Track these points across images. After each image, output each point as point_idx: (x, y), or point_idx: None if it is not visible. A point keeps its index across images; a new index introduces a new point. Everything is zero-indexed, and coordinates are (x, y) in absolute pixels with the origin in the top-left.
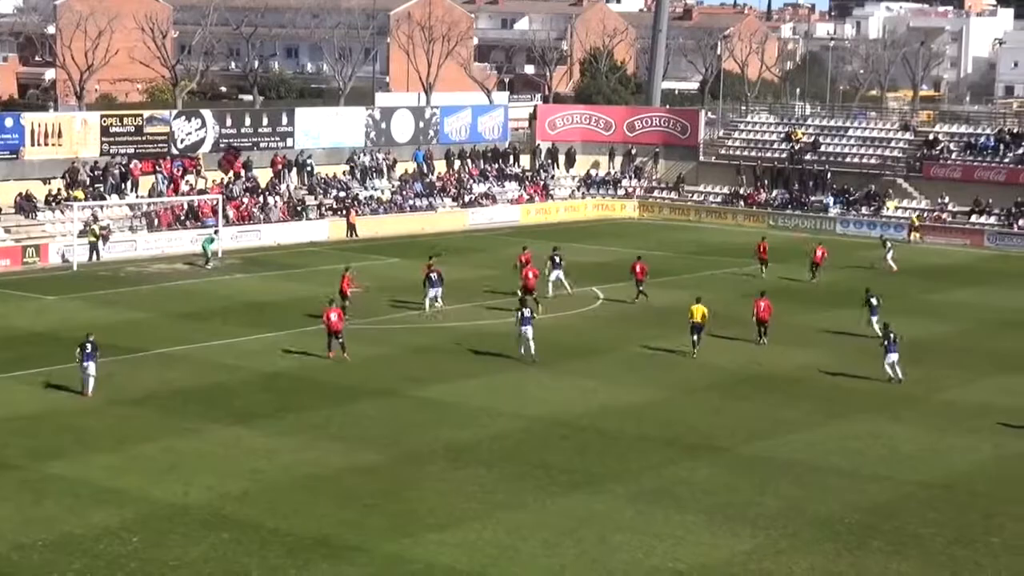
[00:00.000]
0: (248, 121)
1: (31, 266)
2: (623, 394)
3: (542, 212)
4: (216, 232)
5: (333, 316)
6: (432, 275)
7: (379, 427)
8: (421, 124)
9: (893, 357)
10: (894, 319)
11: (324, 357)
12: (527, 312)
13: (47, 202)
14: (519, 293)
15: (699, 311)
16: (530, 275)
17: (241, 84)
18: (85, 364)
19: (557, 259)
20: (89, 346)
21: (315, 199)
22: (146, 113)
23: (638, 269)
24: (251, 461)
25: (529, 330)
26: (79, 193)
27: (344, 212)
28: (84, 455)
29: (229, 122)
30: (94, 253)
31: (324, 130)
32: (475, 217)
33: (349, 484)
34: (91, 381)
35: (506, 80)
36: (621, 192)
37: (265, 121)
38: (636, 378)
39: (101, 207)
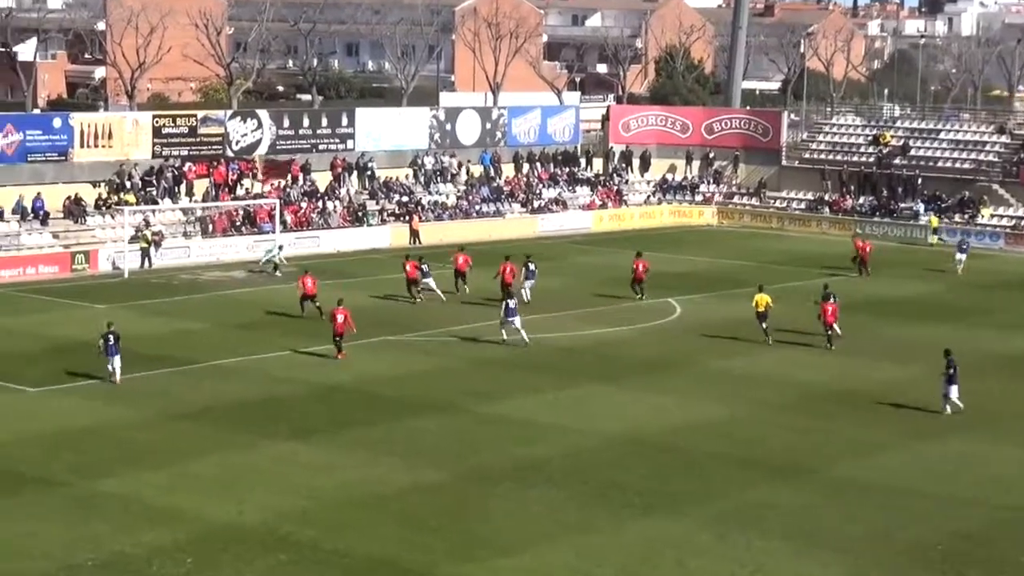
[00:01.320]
0: (306, 122)
1: (80, 273)
2: (699, 411)
3: (615, 218)
4: (279, 246)
5: (339, 318)
6: (530, 265)
7: (442, 444)
8: (488, 125)
9: (953, 391)
10: (988, 333)
11: (330, 362)
12: (512, 303)
13: (97, 206)
14: (502, 293)
15: (763, 300)
16: (507, 270)
17: (299, 83)
18: (109, 358)
19: (531, 267)
20: (112, 338)
21: (377, 204)
22: (200, 113)
23: (640, 268)
24: (309, 478)
25: (517, 320)
26: (130, 197)
27: (407, 218)
28: (135, 471)
29: (286, 123)
30: (146, 260)
31: (386, 131)
32: (545, 224)
33: (411, 504)
34: (118, 372)
35: (577, 79)
36: (699, 198)
37: (324, 122)
38: (713, 394)
39: (153, 211)
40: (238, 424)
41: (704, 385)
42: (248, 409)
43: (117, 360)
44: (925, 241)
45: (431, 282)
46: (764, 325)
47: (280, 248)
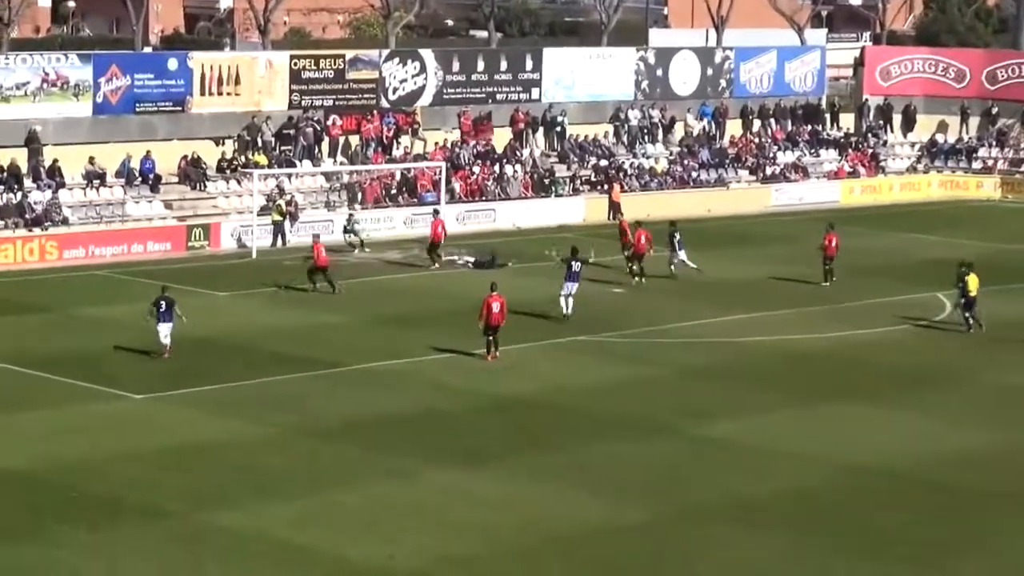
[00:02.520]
0: (481, 65)
1: (198, 252)
2: (976, 438)
3: (870, 190)
4: (353, 218)
5: (495, 306)
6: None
7: (647, 474)
8: (709, 71)
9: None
10: None
11: (491, 366)
12: (576, 267)
13: (220, 169)
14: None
15: (974, 282)
16: (643, 239)
17: (472, 16)
18: (159, 328)
19: (678, 237)
20: (164, 304)
21: (568, 169)
22: (349, 54)
23: (832, 244)
24: (479, 515)
25: (573, 287)
26: (261, 158)
27: (606, 187)
28: (260, 502)
29: (456, 66)
30: (279, 237)
31: (581, 78)
32: (779, 196)
33: (609, 549)
34: (168, 342)
35: (823, 14)
36: (977, 165)
37: (504, 65)
38: (995, 417)
39: (289, 176)
40: (389, 445)
41: (982, 405)
42: (402, 426)
43: (167, 329)
44: None
45: (683, 256)
46: (967, 315)
47: (357, 222)
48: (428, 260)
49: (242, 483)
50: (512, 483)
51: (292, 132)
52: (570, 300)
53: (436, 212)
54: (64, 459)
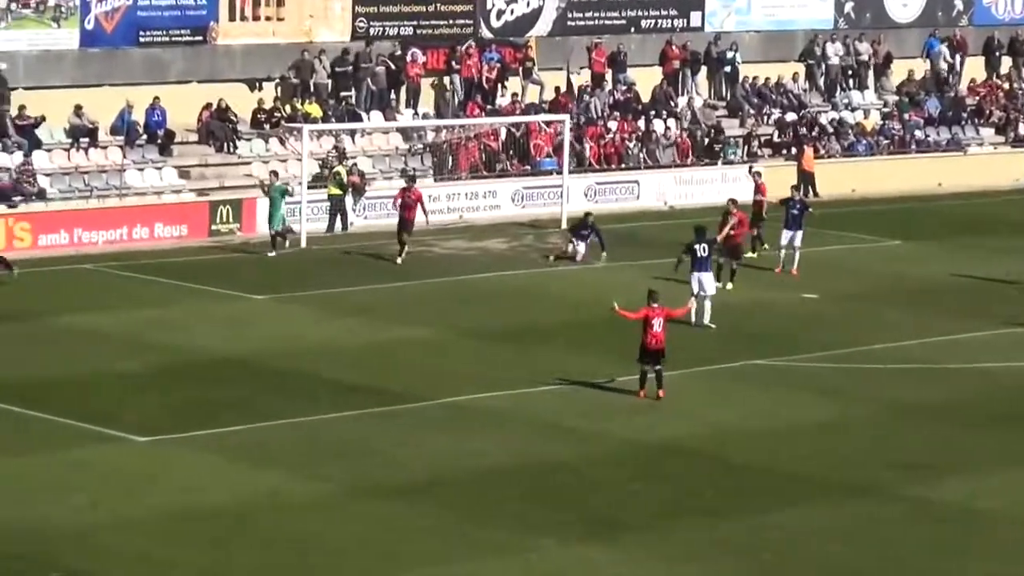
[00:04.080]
0: None
1: (225, 238)
2: None
3: None
4: (285, 184)
5: (656, 324)
6: None
7: (852, 554)
8: None
9: None
10: None
11: (634, 394)
12: (702, 250)
13: (256, 123)
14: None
15: None
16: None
17: None
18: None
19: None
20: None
21: (741, 126)
22: None
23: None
24: None
25: (707, 280)
26: (313, 108)
27: (795, 149)
28: None
29: None
30: (338, 216)
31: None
32: None
33: None
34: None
35: None
36: None
37: None
38: None
39: (352, 134)
40: (485, 509)
41: None
42: (503, 483)
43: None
44: None
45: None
46: None
47: (284, 191)
48: (397, 252)
49: (286, 563)
50: (657, 565)
51: (354, 72)
52: (706, 303)
53: (411, 179)
54: (41, 526)
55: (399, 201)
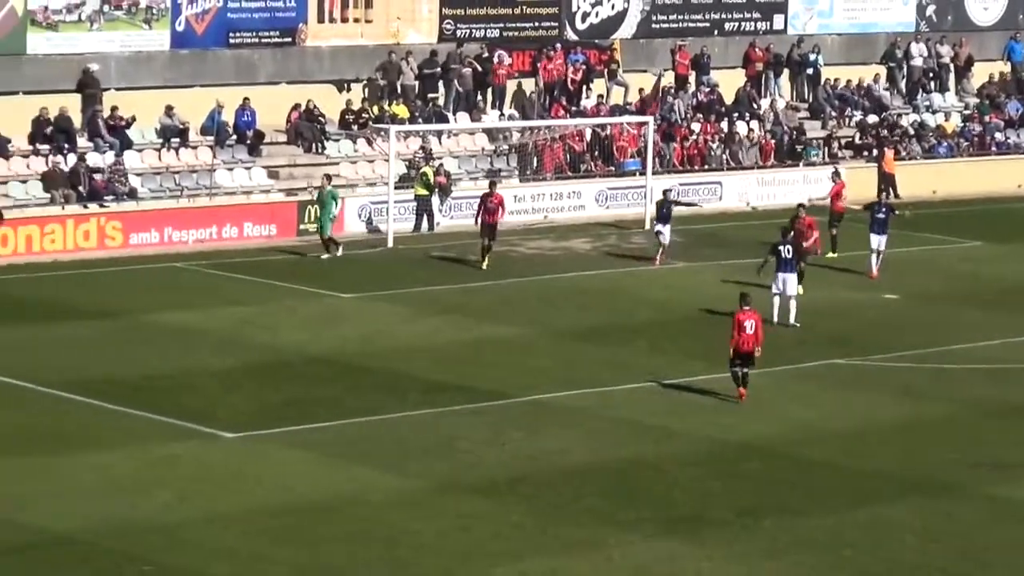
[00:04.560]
0: None
1: (313, 238)
2: None
3: None
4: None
5: (748, 325)
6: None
7: (930, 552)
8: None
9: None
10: None
11: (733, 399)
12: (786, 251)
13: (344, 124)
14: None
15: None
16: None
17: None
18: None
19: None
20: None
21: (823, 127)
22: None
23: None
24: None
25: (790, 280)
26: (401, 109)
27: (875, 151)
28: None
29: None
30: (424, 217)
31: (843, 2)
32: None
33: None
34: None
35: None
36: None
37: None
38: None
39: (439, 135)
40: (570, 506)
41: None
42: (588, 480)
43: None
44: None
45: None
46: None
47: (334, 197)
48: (480, 256)
49: (372, 557)
50: (737, 561)
51: (442, 74)
52: (792, 303)
53: (492, 184)
54: (132, 521)
55: (481, 206)
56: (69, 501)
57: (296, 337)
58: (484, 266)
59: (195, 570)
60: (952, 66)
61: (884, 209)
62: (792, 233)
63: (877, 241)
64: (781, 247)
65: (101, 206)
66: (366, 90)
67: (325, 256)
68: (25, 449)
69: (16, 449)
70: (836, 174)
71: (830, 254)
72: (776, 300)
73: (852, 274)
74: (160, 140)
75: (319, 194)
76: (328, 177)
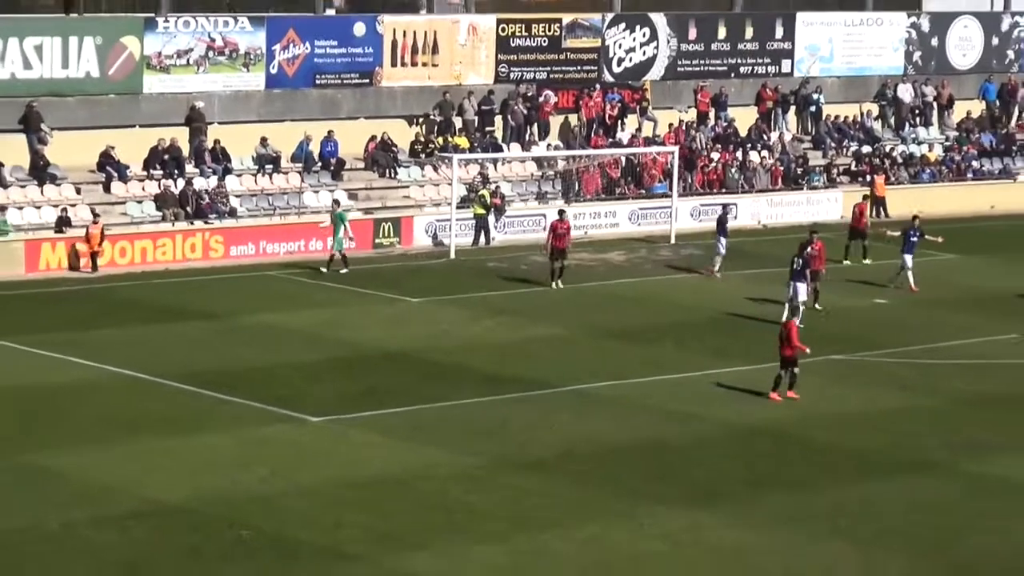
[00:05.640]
0: (722, 32)
1: (387, 251)
2: None
3: None
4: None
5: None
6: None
7: (914, 521)
8: (995, 40)
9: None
10: None
11: (763, 398)
12: (796, 264)
13: (413, 152)
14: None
15: None
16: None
17: None
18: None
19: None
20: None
21: (824, 156)
22: (566, 18)
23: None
24: (709, 565)
25: (801, 288)
26: (462, 140)
27: (868, 177)
28: (456, 545)
29: (692, 33)
30: (482, 233)
31: (841, 48)
32: None
33: None
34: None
35: None
36: None
37: (749, 33)
38: None
39: (494, 162)
40: (608, 481)
41: None
42: (628, 458)
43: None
44: None
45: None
46: None
47: (342, 216)
48: (551, 276)
49: (436, 523)
50: (750, 529)
51: (498, 109)
52: (800, 309)
53: (562, 212)
54: (231, 493)
55: (551, 233)
56: (180, 476)
57: (372, 335)
58: (554, 286)
59: (286, 534)
60: (935, 104)
61: (918, 234)
62: (807, 250)
63: (910, 260)
64: (795, 259)
65: (205, 223)
66: (431, 125)
67: (344, 271)
68: (143, 431)
69: (136, 431)
70: (865, 197)
71: (865, 260)
72: (786, 305)
73: (853, 283)
74: (256, 167)
75: (331, 217)
76: (337, 202)
